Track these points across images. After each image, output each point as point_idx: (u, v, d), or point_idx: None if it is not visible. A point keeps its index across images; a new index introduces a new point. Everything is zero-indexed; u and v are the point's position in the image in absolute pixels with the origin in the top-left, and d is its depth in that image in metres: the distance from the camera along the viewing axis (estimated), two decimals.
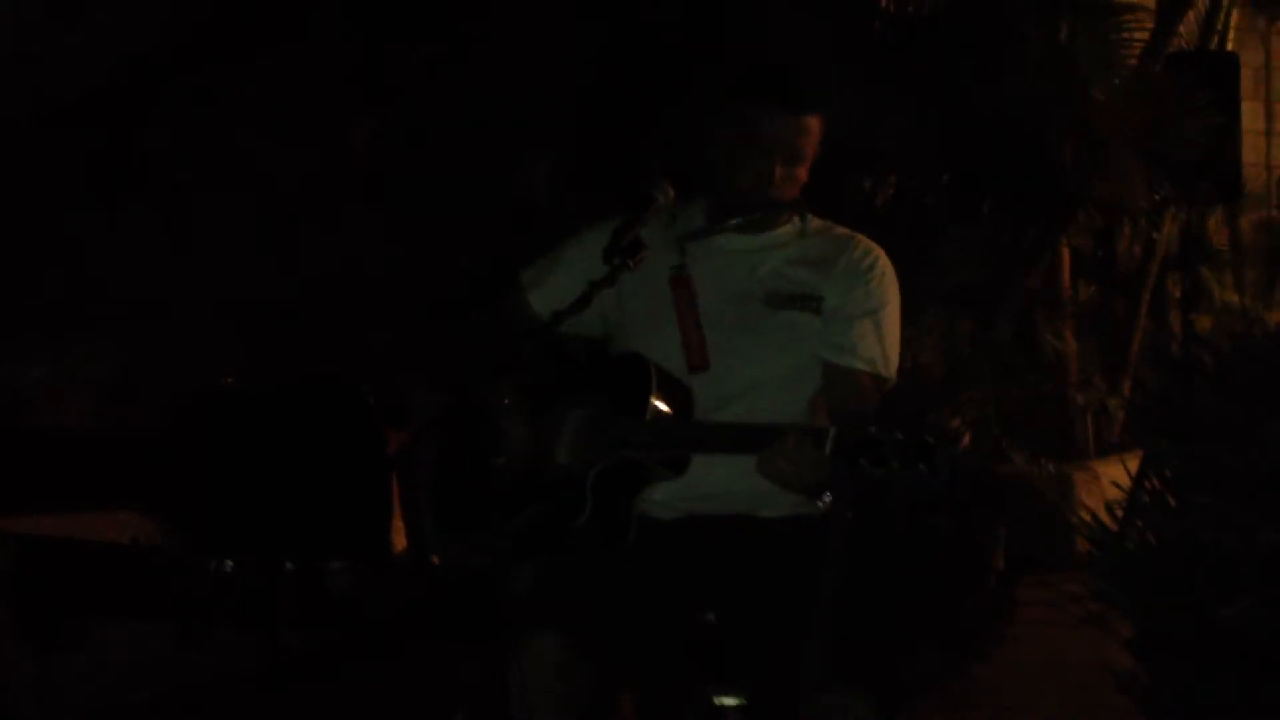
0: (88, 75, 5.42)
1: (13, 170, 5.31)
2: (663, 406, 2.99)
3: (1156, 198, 5.89)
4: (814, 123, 3.13)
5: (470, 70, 5.13)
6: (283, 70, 5.34)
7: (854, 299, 3.14)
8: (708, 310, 3.13)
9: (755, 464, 2.82)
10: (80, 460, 4.61)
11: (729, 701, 2.89)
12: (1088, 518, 3.91)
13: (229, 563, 3.75)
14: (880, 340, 3.15)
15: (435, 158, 5.21)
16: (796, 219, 3.21)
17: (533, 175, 5.12)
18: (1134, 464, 4.25)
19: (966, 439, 5.30)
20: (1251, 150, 7.88)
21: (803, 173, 3.16)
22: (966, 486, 4.85)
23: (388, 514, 3.85)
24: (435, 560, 3.66)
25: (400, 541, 3.95)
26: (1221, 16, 7.65)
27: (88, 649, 4.07)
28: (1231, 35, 7.87)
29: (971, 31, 5.19)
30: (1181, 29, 6.94)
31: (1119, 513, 3.91)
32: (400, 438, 3.73)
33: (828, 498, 2.93)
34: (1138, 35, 5.83)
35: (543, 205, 5.08)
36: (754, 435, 2.84)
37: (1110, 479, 4.25)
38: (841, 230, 3.26)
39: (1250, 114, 7.72)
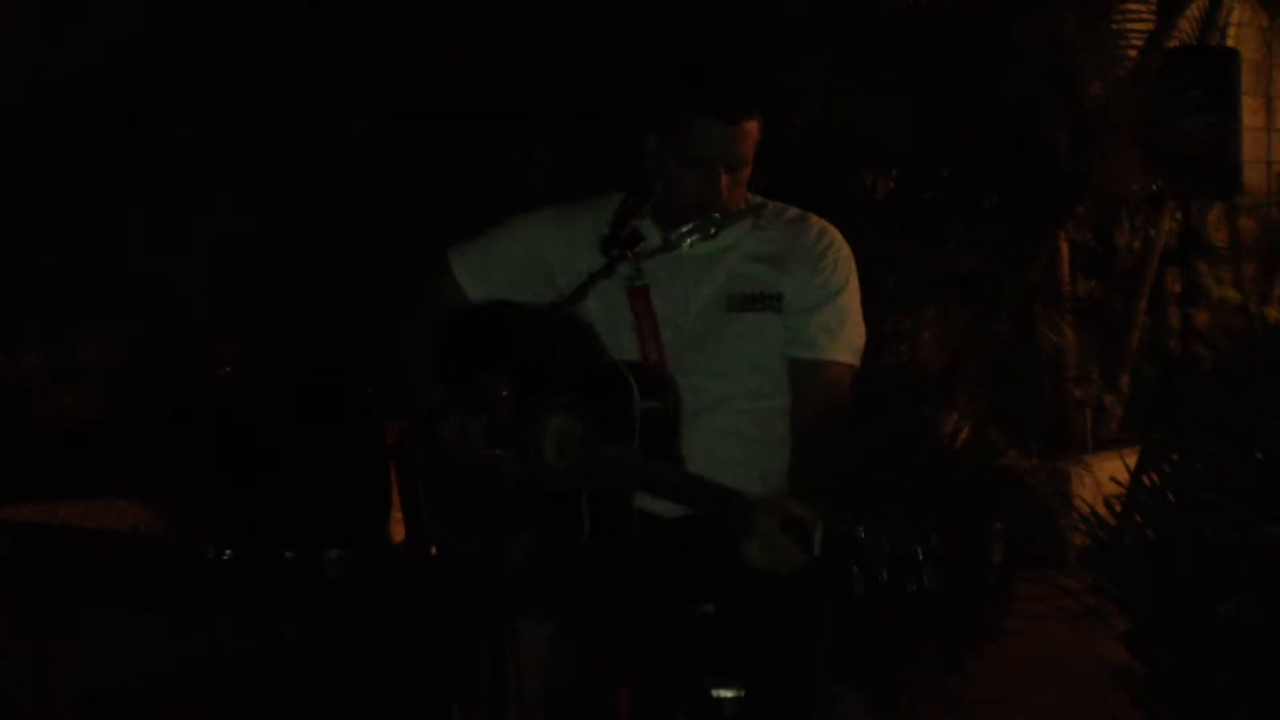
0: (88, 62, 5.42)
1: (11, 157, 5.31)
2: (649, 422, 2.95)
3: (1154, 187, 5.88)
4: (752, 126, 3.05)
5: (471, 56, 5.12)
6: (284, 58, 5.33)
7: (811, 290, 3.08)
8: (669, 322, 3.08)
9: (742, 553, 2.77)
10: (78, 448, 4.61)
11: (726, 693, 2.89)
12: (1086, 512, 3.91)
13: (227, 551, 3.74)
14: (841, 327, 3.09)
15: (434, 143, 5.21)
16: (750, 216, 3.13)
17: (531, 157, 5.11)
18: (1132, 459, 4.25)
19: (965, 433, 5.30)
20: (1251, 146, 7.87)
21: (748, 172, 3.09)
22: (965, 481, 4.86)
23: (386, 504, 3.85)
24: (433, 550, 3.66)
25: (398, 532, 3.95)
26: (1222, 12, 7.65)
27: (84, 636, 4.06)
28: (1232, 31, 7.87)
29: (970, 24, 5.18)
30: (1182, 24, 6.94)
31: (1117, 508, 3.91)
32: (398, 428, 3.73)
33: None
34: (1137, 28, 5.82)
35: (542, 188, 5.07)
36: (739, 508, 2.78)
37: (1108, 474, 4.25)
38: (793, 213, 3.18)
39: (1250, 110, 7.73)
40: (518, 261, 3.20)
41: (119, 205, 5.44)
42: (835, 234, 3.15)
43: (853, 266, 3.13)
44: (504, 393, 2.96)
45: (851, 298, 3.12)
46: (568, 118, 5.03)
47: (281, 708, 4.35)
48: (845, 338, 3.10)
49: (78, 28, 5.42)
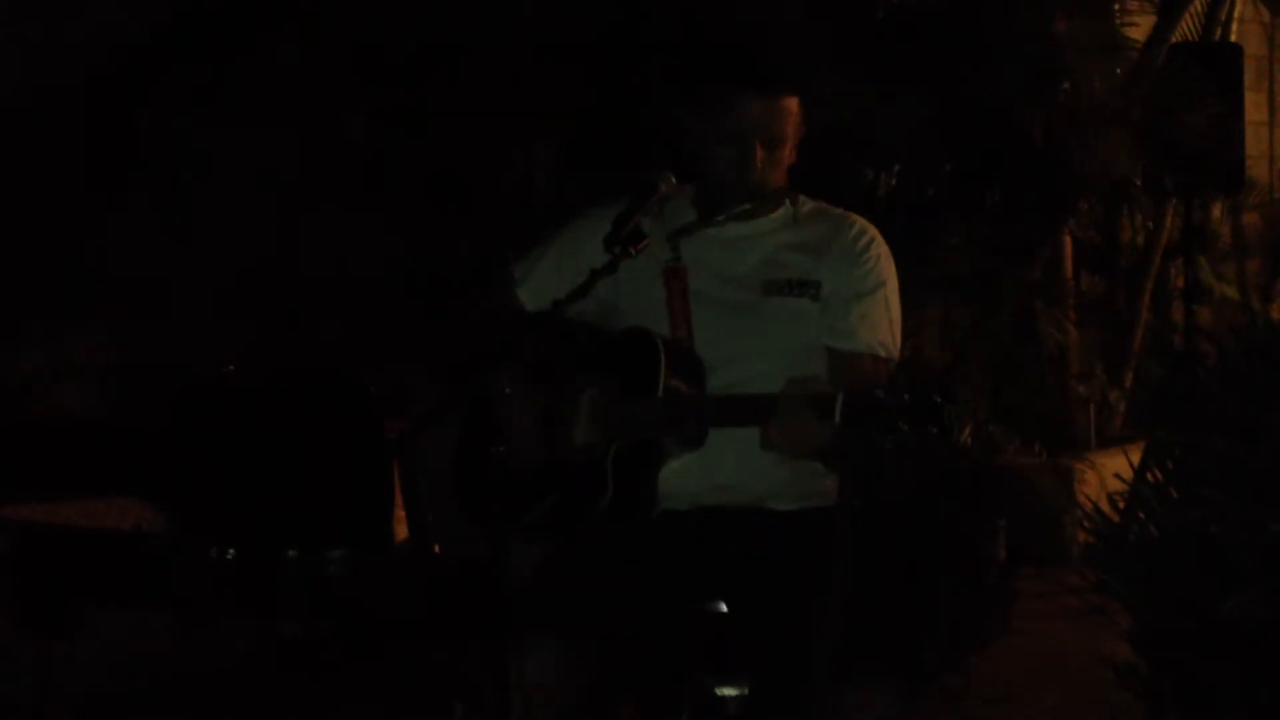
0: (87, 60, 5.41)
1: (12, 156, 5.30)
2: (675, 381, 2.97)
3: (1136, 180, 5.86)
4: (791, 103, 3.06)
5: (470, 54, 5.11)
6: (283, 58, 5.32)
7: (851, 281, 3.09)
8: (703, 302, 3.08)
9: (760, 436, 2.81)
10: (81, 448, 4.60)
11: (730, 692, 2.89)
12: (1090, 509, 3.90)
13: (230, 551, 3.74)
14: (880, 321, 3.10)
15: (434, 142, 5.20)
16: (787, 203, 3.16)
17: (532, 156, 5.11)
18: (1136, 456, 4.24)
19: (967, 431, 5.29)
20: (1254, 141, 7.87)
21: (787, 155, 3.10)
22: (968, 478, 4.85)
23: (388, 504, 3.84)
24: (436, 549, 3.66)
25: (401, 531, 3.94)
26: (1225, 7, 7.64)
27: (87, 636, 4.06)
28: (1235, 26, 7.86)
29: (971, 19, 5.17)
30: (1185, 20, 6.93)
31: (1121, 505, 3.90)
32: (400, 427, 3.73)
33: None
34: (1138, 19, 5.81)
35: (542, 187, 5.07)
36: (763, 406, 2.81)
37: (1112, 471, 4.24)
38: (835, 210, 3.20)
39: (1253, 105, 7.72)
40: (563, 266, 3.20)
41: (119, 205, 5.44)
42: (875, 232, 3.16)
43: (893, 264, 3.15)
44: (506, 390, 2.97)
45: (892, 293, 3.13)
46: (567, 116, 5.03)
47: (284, 706, 4.35)
48: (885, 331, 3.11)
49: (78, 27, 5.42)
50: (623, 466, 2.96)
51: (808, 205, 3.19)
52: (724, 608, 2.95)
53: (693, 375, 3.01)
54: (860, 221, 3.17)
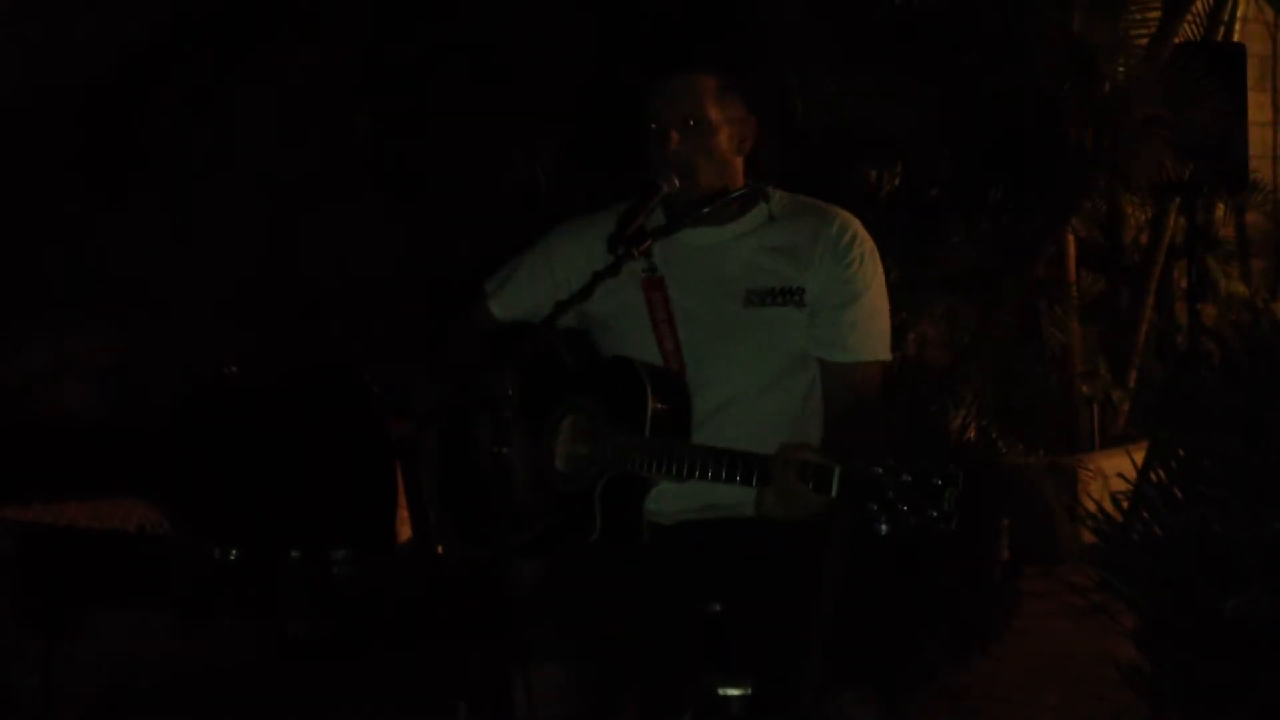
0: (91, 61, 5.42)
1: (12, 156, 5.31)
2: (661, 414, 2.93)
3: (1138, 180, 5.86)
4: (704, 82, 2.98)
5: (470, 54, 5.11)
6: (284, 58, 5.33)
7: (837, 287, 3.00)
8: (684, 315, 3.02)
9: (755, 499, 2.76)
10: (85, 448, 4.60)
11: (733, 692, 2.88)
12: (1093, 509, 3.90)
13: (232, 552, 3.74)
14: (871, 324, 3.02)
15: (435, 142, 5.20)
16: (761, 203, 3.06)
17: (533, 155, 5.10)
18: (1139, 455, 4.23)
19: (971, 430, 5.28)
20: (1258, 141, 7.86)
21: (725, 141, 3.02)
22: (971, 480, 4.84)
23: (392, 504, 3.84)
24: (439, 550, 3.66)
25: (404, 532, 3.94)
26: (1228, 7, 7.64)
27: (90, 637, 4.06)
28: (1238, 26, 7.86)
29: (972, 18, 5.16)
30: (1188, 20, 6.92)
31: (1124, 504, 3.90)
32: (403, 427, 3.72)
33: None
34: (1148, 17, 5.80)
35: (545, 186, 5.06)
36: (755, 466, 2.76)
37: (1115, 471, 4.24)
38: (814, 205, 3.09)
39: (1256, 105, 7.70)
40: (536, 279, 3.18)
41: (119, 205, 5.45)
42: (858, 225, 3.06)
43: (877, 258, 3.05)
44: (509, 391, 2.95)
45: (879, 292, 3.05)
46: (568, 116, 5.02)
47: (286, 706, 4.35)
48: (876, 334, 3.04)
49: (78, 28, 5.43)
50: (610, 499, 2.94)
51: (784, 202, 3.09)
52: (718, 608, 2.94)
53: (678, 403, 2.96)
54: (840, 217, 3.06)
